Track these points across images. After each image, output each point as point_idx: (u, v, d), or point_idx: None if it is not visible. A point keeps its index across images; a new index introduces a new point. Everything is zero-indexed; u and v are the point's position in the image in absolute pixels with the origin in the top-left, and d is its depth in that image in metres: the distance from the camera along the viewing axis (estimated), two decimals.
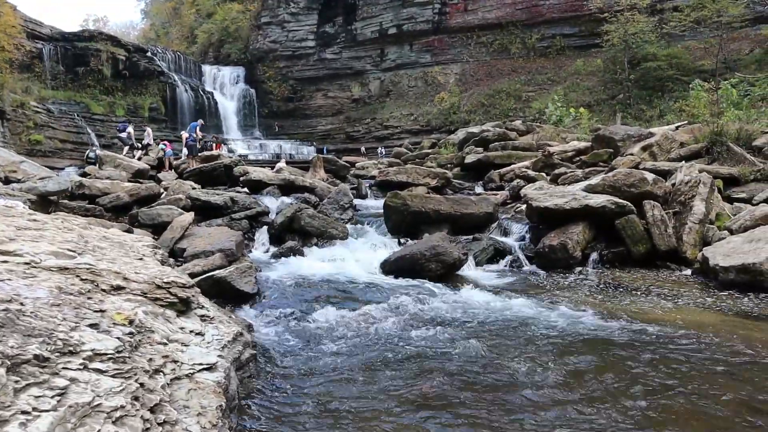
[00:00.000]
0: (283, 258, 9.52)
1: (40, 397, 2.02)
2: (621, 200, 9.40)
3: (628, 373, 4.21)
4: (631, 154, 14.08)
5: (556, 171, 15.45)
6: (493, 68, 47.97)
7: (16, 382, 2.02)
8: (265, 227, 11.11)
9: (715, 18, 32.06)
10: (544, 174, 16.07)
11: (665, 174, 11.41)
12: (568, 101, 35.98)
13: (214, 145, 29.23)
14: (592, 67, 41.48)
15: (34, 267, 3.17)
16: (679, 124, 19.45)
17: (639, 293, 7.34)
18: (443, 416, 3.50)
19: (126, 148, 22.87)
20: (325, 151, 39.27)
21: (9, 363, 2.05)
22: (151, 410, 2.40)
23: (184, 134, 23.54)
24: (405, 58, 51.71)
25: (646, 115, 31.48)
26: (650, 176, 10.16)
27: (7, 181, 12.16)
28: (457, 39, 49.67)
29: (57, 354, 2.30)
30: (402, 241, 10.41)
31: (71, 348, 2.40)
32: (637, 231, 9.04)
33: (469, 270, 9.00)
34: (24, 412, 1.92)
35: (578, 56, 44.07)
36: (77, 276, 3.28)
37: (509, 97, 43.86)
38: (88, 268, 3.44)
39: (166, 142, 22.26)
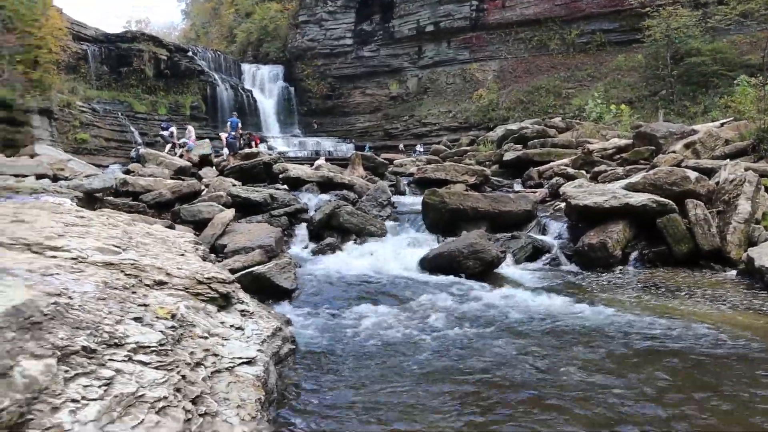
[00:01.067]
0: (321, 254, 9.61)
1: (87, 386, 2.09)
2: (662, 199, 9.21)
3: (692, 381, 4.11)
4: (674, 152, 13.78)
5: (596, 168, 15.23)
6: (531, 65, 47.33)
7: (66, 371, 2.09)
8: (304, 224, 11.23)
9: (763, 11, 31.04)
10: (583, 171, 15.87)
11: (709, 172, 11.13)
12: (609, 98, 35.30)
13: (252, 142, 29.62)
14: (633, 63, 40.49)
15: (81, 262, 3.26)
16: (724, 120, 18.93)
17: (683, 294, 7.16)
18: (488, 418, 3.49)
19: (168, 146, 23.28)
20: (366, 149, 39.25)
21: (59, 354, 2.13)
22: (193, 402, 2.46)
23: (223, 135, 23.92)
24: (442, 55, 51.36)
25: (689, 112, 30.71)
26: (693, 174, 9.93)
27: (55, 178, 12.56)
28: (495, 35, 49.08)
29: (103, 346, 2.38)
30: (440, 238, 10.39)
31: (116, 340, 2.48)
32: (679, 230, 8.86)
33: (507, 268, 8.94)
34: (73, 401, 1.99)
35: (619, 52, 43.06)
36: (122, 271, 3.37)
37: (548, 93, 43.21)
38: (132, 264, 3.53)
39: (192, 139, 22.72)
